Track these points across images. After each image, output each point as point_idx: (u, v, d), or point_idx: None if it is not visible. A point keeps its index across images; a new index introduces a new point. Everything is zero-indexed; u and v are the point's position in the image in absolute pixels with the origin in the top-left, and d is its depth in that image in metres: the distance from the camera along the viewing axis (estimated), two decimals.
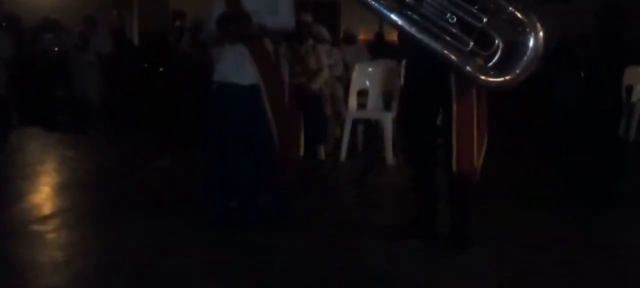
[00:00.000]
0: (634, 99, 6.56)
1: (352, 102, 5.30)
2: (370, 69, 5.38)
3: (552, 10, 12.08)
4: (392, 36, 7.95)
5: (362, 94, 5.41)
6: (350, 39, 8.54)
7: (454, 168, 2.80)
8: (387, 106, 5.28)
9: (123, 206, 3.66)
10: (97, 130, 6.69)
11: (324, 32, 5.74)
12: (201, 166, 3.38)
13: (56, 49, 7.56)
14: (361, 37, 11.00)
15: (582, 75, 8.54)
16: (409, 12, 2.52)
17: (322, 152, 5.06)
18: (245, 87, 3.11)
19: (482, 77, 2.48)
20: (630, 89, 6.65)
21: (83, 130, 6.54)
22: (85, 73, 7.49)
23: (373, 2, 2.51)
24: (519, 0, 2.47)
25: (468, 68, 2.48)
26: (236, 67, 3.12)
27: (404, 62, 4.41)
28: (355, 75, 5.34)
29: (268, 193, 3.26)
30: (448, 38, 2.49)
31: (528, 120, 7.74)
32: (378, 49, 8.52)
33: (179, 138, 5.69)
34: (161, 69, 7.79)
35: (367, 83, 5.36)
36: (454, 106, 2.73)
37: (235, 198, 3.25)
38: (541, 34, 2.40)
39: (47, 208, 3.60)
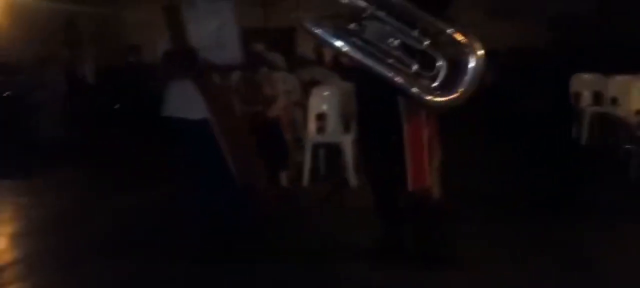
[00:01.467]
0: (582, 104, 6.80)
1: (311, 126, 5.33)
2: (327, 93, 5.43)
3: (503, 24, 12.52)
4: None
5: (321, 117, 5.44)
6: (306, 62, 8.61)
7: (410, 187, 2.86)
8: (346, 128, 5.33)
9: (82, 251, 3.57)
10: (52, 173, 6.52)
11: (278, 59, 5.79)
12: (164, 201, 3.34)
13: (7, 93, 7.37)
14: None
15: (535, 85, 8.83)
16: (353, 38, 2.58)
17: (285, 178, 5.07)
18: (194, 121, 3.09)
19: (427, 97, 2.56)
20: (578, 95, 6.89)
21: (37, 173, 6.36)
22: (39, 113, 7.34)
23: (318, 31, 2.56)
24: (458, 21, 2.57)
25: (413, 89, 2.55)
26: (184, 101, 3.09)
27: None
28: (312, 99, 5.38)
29: (234, 225, 3.26)
30: (392, 61, 2.56)
31: (486, 131, 7.94)
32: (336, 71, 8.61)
33: (140, 175, 5.61)
34: (117, 106, 7.69)
35: (325, 107, 5.40)
36: (405, 126, 2.79)
37: (202, 230, 3.24)
38: (481, 53, 2.49)
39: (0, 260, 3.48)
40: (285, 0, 8.87)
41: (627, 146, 5.26)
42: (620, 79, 5.84)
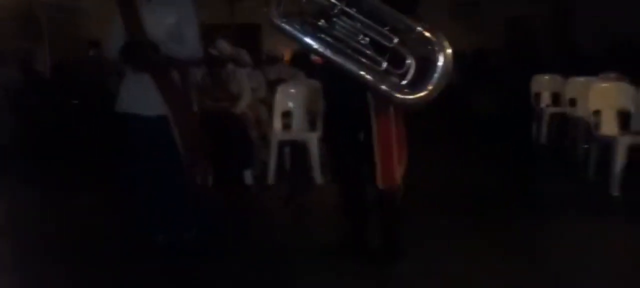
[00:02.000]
0: (542, 105, 6.97)
1: (277, 124, 5.30)
2: (293, 90, 5.40)
3: (464, 25, 12.76)
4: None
5: (287, 115, 5.42)
6: (272, 60, 8.56)
7: (379, 185, 2.86)
8: (312, 126, 5.32)
9: (39, 253, 3.44)
10: (6, 170, 6.28)
11: (245, 56, 5.73)
12: (122, 201, 3.25)
13: None
14: (287, 57, 11.09)
15: (496, 85, 9.03)
16: (322, 35, 2.56)
17: (249, 177, 5.01)
18: (151, 118, 3.01)
19: (397, 95, 2.56)
20: (538, 96, 7.06)
21: None
22: None
23: (287, 27, 2.53)
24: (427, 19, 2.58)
25: (383, 87, 2.56)
26: (141, 97, 3.01)
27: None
28: (278, 97, 5.34)
29: (194, 226, 3.21)
30: (362, 59, 2.55)
31: (448, 130, 8.07)
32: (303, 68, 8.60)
33: (97, 172, 5.46)
34: (75, 102, 7.47)
35: (291, 104, 5.37)
36: (373, 124, 2.79)
37: (161, 233, 3.16)
38: (449, 51, 2.51)
39: None
40: None
41: (584, 146, 5.42)
42: (578, 80, 6.00)
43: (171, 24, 3.00)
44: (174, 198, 3.06)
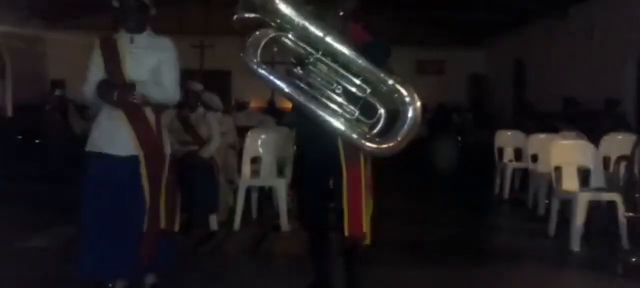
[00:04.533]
0: (505, 160, 7.15)
1: (246, 169, 5.27)
2: (263, 136, 5.41)
3: (429, 81, 13.16)
4: (285, 104, 8.11)
5: (256, 161, 5.40)
6: (241, 107, 8.60)
7: (347, 233, 2.86)
8: (280, 173, 5.32)
9: None
10: None
11: (216, 100, 5.73)
12: (79, 244, 3.12)
13: None
14: (253, 104, 11.18)
15: (459, 139, 9.25)
16: (297, 82, 2.60)
17: (215, 222, 4.93)
18: (121, 158, 2.97)
19: (368, 144, 2.60)
20: (501, 151, 7.25)
21: None
22: None
23: (263, 72, 2.56)
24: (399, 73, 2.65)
25: (354, 136, 2.59)
26: (113, 137, 2.99)
27: (296, 129, 4.52)
28: (248, 143, 5.33)
29: (152, 274, 3.12)
30: (335, 107, 2.59)
31: (412, 182, 8.17)
32: (271, 115, 8.66)
33: (55, 214, 5.28)
34: (37, 141, 7.28)
35: (261, 150, 5.37)
36: (344, 172, 2.82)
37: (121, 278, 3.06)
38: (419, 104, 2.58)
39: None
40: (224, 43, 8.86)
41: (546, 201, 5.56)
42: (539, 137, 6.20)
43: (152, 67, 3.03)
44: (134, 242, 2.97)
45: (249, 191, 5.28)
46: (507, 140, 7.26)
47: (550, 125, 7.13)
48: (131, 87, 2.94)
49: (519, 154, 7.06)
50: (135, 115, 2.99)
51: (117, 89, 2.93)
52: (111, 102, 2.96)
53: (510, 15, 10.83)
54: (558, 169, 4.90)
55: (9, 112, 10.45)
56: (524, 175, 6.74)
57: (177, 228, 3.16)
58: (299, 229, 4.08)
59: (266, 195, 5.59)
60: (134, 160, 2.97)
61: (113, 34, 3.09)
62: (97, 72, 3.02)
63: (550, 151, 5.00)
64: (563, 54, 10.15)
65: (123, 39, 3.04)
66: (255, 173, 5.37)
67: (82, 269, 3.02)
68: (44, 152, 7.42)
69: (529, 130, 6.75)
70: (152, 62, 3.03)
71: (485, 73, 14.25)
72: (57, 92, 8.39)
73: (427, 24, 13.09)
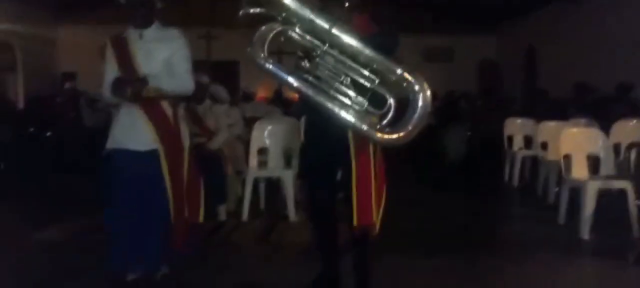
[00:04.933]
0: (515, 148, 7.11)
1: (253, 160, 5.29)
2: (270, 127, 5.41)
3: (438, 68, 13.07)
4: (291, 93, 8.12)
5: (263, 152, 5.42)
6: (248, 97, 8.61)
7: (355, 223, 2.86)
8: (287, 163, 5.33)
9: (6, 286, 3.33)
10: None
11: (222, 92, 5.74)
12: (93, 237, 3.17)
13: None
14: (260, 94, 11.18)
15: (468, 127, 9.20)
16: (305, 75, 2.60)
17: (223, 213, 4.97)
18: (142, 152, 3.01)
19: (378, 135, 2.59)
20: (511, 139, 7.21)
21: None
22: None
23: (270, 66, 2.56)
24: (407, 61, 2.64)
25: (364, 127, 2.59)
26: (132, 132, 3.02)
27: (303, 119, 4.52)
28: (255, 134, 5.34)
29: (165, 264, 3.15)
30: (343, 99, 2.59)
31: (421, 170, 8.15)
32: (278, 105, 8.66)
33: (69, 205, 5.33)
34: (49, 134, 7.35)
35: (267, 141, 5.38)
36: (353, 162, 2.81)
37: (136, 270, 3.10)
38: (428, 93, 2.56)
39: None
40: (230, 33, 8.85)
41: (555, 189, 5.53)
42: (549, 124, 6.16)
43: (164, 59, 3.05)
44: (160, 234, 3.01)
45: (256, 182, 5.30)
46: (516, 127, 7.22)
47: (561, 111, 7.08)
48: (143, 81, 2.97)
49: (528, 141, 7.01)
50: (152, 110, 3.03)
51: (130, 85, 2.94)
52: (126, 98, 2.98)
53: (521, 0, 10.71)
54: (567, 157, 4.87)
55: (21, 105, 10.53)
56: (534, 163, 6.70)
57: (201, 218, 3.19)
58: (307, 219, 4.10)
59: (274, 186, 5.61)
60: (154, 153, 3.02)
61: (122, 31, 3.11)
62: (111, 71, 3.05)
63: (559, 138, 4.97)
64: (575, 38, 10.03)
65: (132, 35, 3.07)
66: (263, 164, 5.38)
67: (112, 263, 3.07)
68: (56, 144, 7.49)
69: (540, 117, 6.70)
70: (163, 54, 3.06)
71: (495, 59, 14.12)
72: (68, 85, 8.46)
73: (435, 11, 12.98)
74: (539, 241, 4.48)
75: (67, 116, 7.57)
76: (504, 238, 4.70)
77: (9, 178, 7.05)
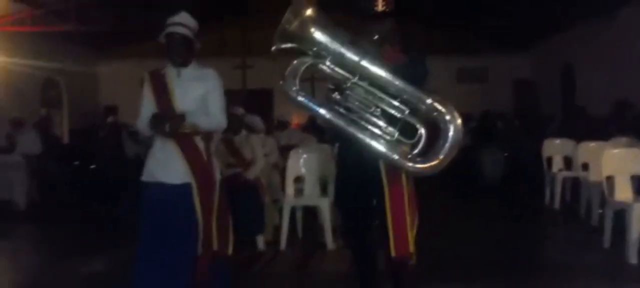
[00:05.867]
0: (554, 169, 6.95)
1: (289, 189, 5.33)
2: (305, 155, 5.46)
3: (471, 89, 12.94)
4: None
5: (299, 180, 5.46)
6: (283, 125, 8.70)
7: (393, 254, 2.86)
8: (323, 191, 5.35)
9: None
10: (23, 236, 6.34)
11: (258, 122, 5.84)
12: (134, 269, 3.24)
13: None
14: (295, 121, 11.29)
15: (504, 148, 9.05)
16: (336, 107, 2.64)
17: (261, 242, 5.01)
18: (174, 186, 3.09)
19: (409, 165, 2.60)
20: (550, 160, 7.06)
21: (7, 236, 6.17)
22: (10, 176, 7.19)
23: (302, 99, 2.61)
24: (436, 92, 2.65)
25: (395, 156, 2.60)
26: (166, 166, 3.11)
27: (337, 146, 4.55)
28: (290, 162, 5.40)
29: None
30: (374, 129, 2.61)
31: (456, 194, 8.04)
32: (313, 133, 8.72)
33: (112, 238, 5.48)
34: (92, 166, 7.59)
35: (303, 169, 5.43)
36: (386, 192, 2.82)
37: None
38: (459, 121, 2.57)
39: None
40: (264, 62, 9.02)
41: (599, 211, 5.38)
42: (589, 145, 6.01)
43: (199, 96, 3.15)
44: (188, 267, 3.07)
45: (293, 210, 5.34)
46: (555, 148, 7.06)
47: (602, 130, 6.90)
48: (181, 117, 3.07)
49: (568, 162, 6.85)
50: (186, 144, 3.12)
51: (168, 121, 3.06)
52: (163, 133, 3.09)
53: (555, 18, 10.56)
54: (610, 178, 4.74)
55: (65, 139, 10.94)
56: (574, 185, 6.53)
57: (230, 251, 3.24)
58: (344, 247, 4.10)
59: (310, 214, 5.63)
60: (186, 187, 3.09)
61: (161, 67, 3.23)
62: (148, 105, 3.16)
63: (601, 159, 4.84)
64: (614, 54, 9.80)
65: (171, 72, 3.18)
66: (299, 192, 5.42)
67: None
68: (100, 176, 7.73)
69: (579, 137, 6.55)
70: (199, 92, 3.16)
71: (530, 78, 13.91)
72: (111, 119, 8.74)
73: (468, 31, 12.93)
74: (583, 266, 4.35)
75: (109, 149, 7.81)
76: (546, 264, 4.58)
77: (55, 211, 7.30)
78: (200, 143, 3.16)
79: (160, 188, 3.10)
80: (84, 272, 4.51)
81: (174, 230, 3.06)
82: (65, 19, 9.53)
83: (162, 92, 3.14)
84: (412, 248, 2.86)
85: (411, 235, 2.89)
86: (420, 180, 2.94)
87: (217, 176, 3.22)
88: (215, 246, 3.12)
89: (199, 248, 3.09)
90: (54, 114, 11.54)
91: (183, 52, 3.15)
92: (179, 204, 3.07)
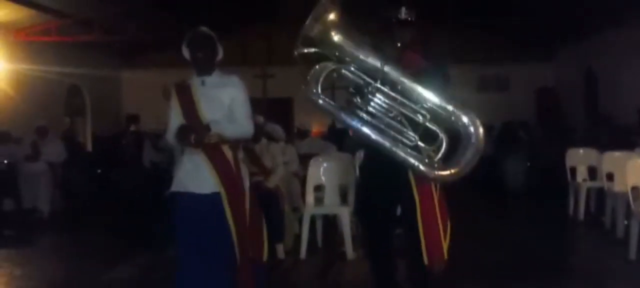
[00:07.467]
0: (578, 179, 6.83)
1: (309, 198, 5.32)
2: (325, 164, 5.45)
3: (493, 98, 12.80)
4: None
5: (319, 188, 5.45)
6: (303, 134, 8.70)
7: (426, 262, 2.82)
8: (343, 199, 5.33)
9: None
10: (47, 243, 6.43)
11: (278, 130, 5.85)
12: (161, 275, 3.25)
13: (5, 161, 7.33)
14: (315, 129, 11.29)
15: (527, 157, 8.93)
16: (357, 111, 2.63)
17: (281, 251, 5.01)
18: (205, 196, 3.11)
19: (429, 171, 2.58)
20: (573, 170, 6.93)
21: (31, 243, 6.26)
22: (35, 184, 7.31)
23: (324, 104, 2.61)
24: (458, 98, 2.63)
25: (415, 162, 2.58)
26: (195, 176, 3.13)
27: (357, 154, 4.52)
28: (310, 171, 5.39)
29: None
30: (395, 134, 2.60)
31: (479, 203, 7.95)
32: (333, 141, 8.71)
33: (134, 246, 5.53)
34: (114, 173, 7.69)
35: (323, 178, 5.41)
36: (416, 196, 2.80)
37: None
38: (481, 129, 2.54)
39: None
40: (284, 71, 9.08)
41: (624, 222, 5.27)
42: (614, 155, 5.89)
43: (225, 105, 3.17)
44: (224, 274, 3.08)
45: (313, 219, 5.32)
46: (579, 158, 6.92)
47: (627, 139, 6.76)
48: (206, 128, 3.09)
49: (592, 172, 6.72)
50: (214, 154, 3.13)
51: (194, 132, 3.08)
52: (190, 144, 3.11)
53: (578, 25, 10.43)
54: (635, 188, 4.64)
55: (89, 146, 11.10)
56: (599, 195, 6.40)
57: (265, 257, 3.24)
58: (364, 256, 4.08)
59: (330, 222, 5.61)
60: (216, 196, 3.10)
61: (185, 79, 3.26)
62: (175, 117, 3.19)
63: (626, 169, 4.75)
64: (638, 62, 9.63)
65: (195, 82, 3.20)
66: (319, 200, 5.41)
67: None
68: (122, 183, 7.83)
69: (603, 146, 6.42)
70: (224, 100, 3.18)
71: (553, 86, 13.74)
72: (133, 127, 8.85)
73: (489, 40, 12.84)
74: (609, 277, 4.26)
75: (131, 157, 7.91)
76: (570, 275, 4.49)
77: (79, 218, 7.40)
78: (228, 152, 3.17)
79: (191, 198, 3.13)
80: (105, 279, 4.54)
81: (209, 238, 3.08)
82: (90, 29, 9.70)
83: (188, 103, 3.16)
84: (445, 254, 2.81)
85: (445, 244, 2.85)
86: (444, 187, 2.90)
87: (247, 183, 3.23)
88: (250, 252, 3.13)
89: (236, 255, 3.10)
90: (78, 121, 11.73)
91: (206, 60, 3.16)
92: (210, 213, 3.09)
